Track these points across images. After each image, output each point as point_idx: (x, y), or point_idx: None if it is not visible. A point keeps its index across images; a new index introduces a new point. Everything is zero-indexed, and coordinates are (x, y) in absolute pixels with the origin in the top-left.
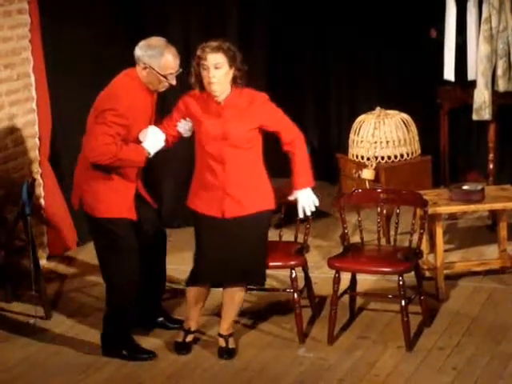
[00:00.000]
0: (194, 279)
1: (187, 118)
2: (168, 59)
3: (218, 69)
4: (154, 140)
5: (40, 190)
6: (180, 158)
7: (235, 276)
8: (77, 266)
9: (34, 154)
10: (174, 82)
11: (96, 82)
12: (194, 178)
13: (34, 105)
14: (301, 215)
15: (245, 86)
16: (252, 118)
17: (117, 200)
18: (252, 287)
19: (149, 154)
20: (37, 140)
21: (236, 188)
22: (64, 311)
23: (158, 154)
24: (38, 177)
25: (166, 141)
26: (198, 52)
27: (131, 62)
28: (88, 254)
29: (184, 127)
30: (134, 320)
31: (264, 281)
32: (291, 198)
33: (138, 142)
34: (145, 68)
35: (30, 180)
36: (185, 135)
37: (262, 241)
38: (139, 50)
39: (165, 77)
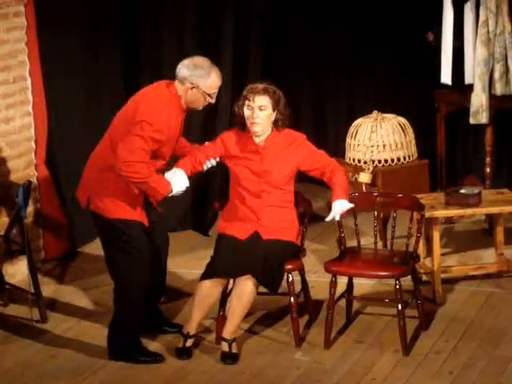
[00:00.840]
0: (209, 272)
1: (212, 159)
2: (214, 79)
3: (262, 110)
4: (179, 184)
5: (36, 194)
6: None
7: (251, 269)
8: (73, 269)
9: (30, 157)
10: (213, 101)
11: (93, 85)
12: (226, 210)
13: (30, 108)
14: (329, 219)
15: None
16: (290, 159)
17: (129, 202)
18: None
19: (171, 191)
20: (33, 143)
21: (269, 221)
22: (60, 314)
23: None
24: (34, 180)
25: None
26: (245, 93)
27: (128, 65)
28: (84, 257)
29: (208, 166)
30: (142, 322)
31: (278, 287)
32: (328, 219)
33: (162, 168)
34: (192, 88)
35: (26, 183)
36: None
37: (282, 257)
38: (186, 70)
39: (210, 96)
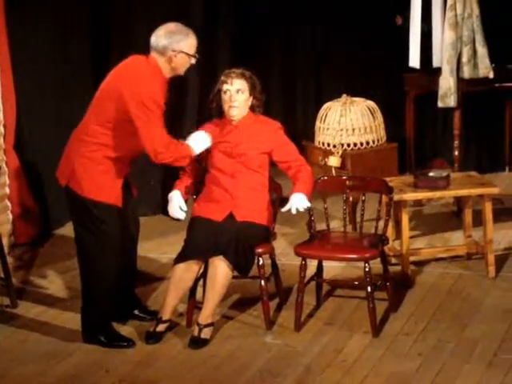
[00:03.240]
0: (182, 255)
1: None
2: (193, 38)
3: (239, 94)
4: (198, 139)
5: (5, 178)
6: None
7: (224, 251)
8: (42, 254)
9: None
10: (194, 62)
11: (61, 70)
12: (201, 195)
13: None
14: (284, 209)
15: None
16: (263, 143)
17: (108, 184)
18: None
19: (194, 152)
20: (1, 128)
21: (243, 201)
22: (30, 299)
23: None
24: (2, 164)
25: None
26: (223, 77)
27: (97, 51)
28: (54, 242)
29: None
30: (112, 307)
31: (248, 270)
32: (284, 209)
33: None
34: (175, 55)
35: None
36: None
37: (254, 240)
38: (163, 40)
39: (193, 56)
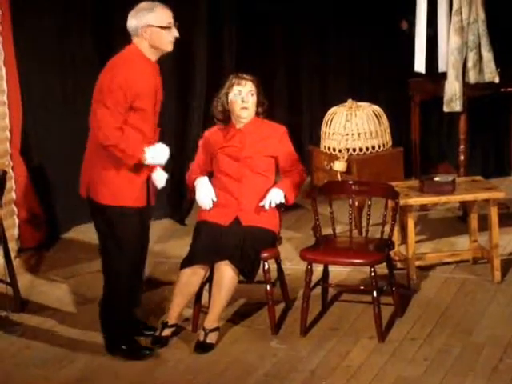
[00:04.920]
0: (188, 259)
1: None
2: (160, 10)
3: (251, 96)
4: (156, 151)
5: (11, 183)
6: None
7: (230, 255)
8: (49, 258)
9: (5, 146)
10: (177, 34)
11: (67, 75)
12: None
13: (4, 97)
14: (262, 203)
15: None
16: (269, 147)
17: (125, 187)
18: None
19: (145, 159)
20: (8, 133)
21: (249, 206)
22: (36, 304)
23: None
24: (9, 169)
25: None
26: (233, 80)
27: (103, 54)
28: (60, 246)
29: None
30: (132, 315)
31: (254, 275)
32: (261, 203)
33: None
34: (145, 31)
35: (0, 173)
36: (158, 186)
37: (260, 245)
38: (133, 20)
39: (167, 28)
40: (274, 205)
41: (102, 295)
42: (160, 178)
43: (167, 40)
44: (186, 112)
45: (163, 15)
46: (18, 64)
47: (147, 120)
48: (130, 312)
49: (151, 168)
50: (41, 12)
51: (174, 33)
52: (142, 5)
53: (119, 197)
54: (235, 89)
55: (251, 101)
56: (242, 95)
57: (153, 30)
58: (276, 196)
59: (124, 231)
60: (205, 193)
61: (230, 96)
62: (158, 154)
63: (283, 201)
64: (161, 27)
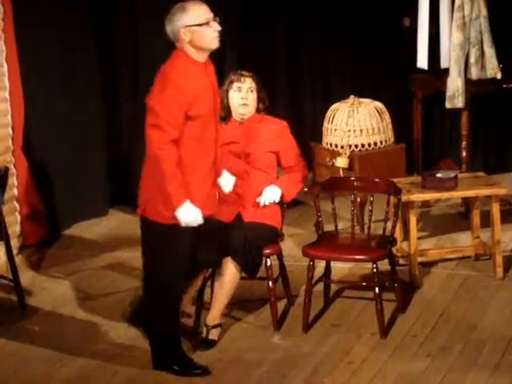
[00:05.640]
0: None
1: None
2: (194, 7)
3: (251, 92)
4: (188, 211)
5: (13, 180)
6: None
7: (232, 252)
8: (50, 255)
9: (7, 143)
10: (219, 28)
11: (69, 72)
12: None
13: (6, 94)
14: (258, 200)
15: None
16: (270, 142)
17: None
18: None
19: (176, 211)
20: (10, 129)
21: (251, 202)
22: (38, 301)
23: (132, 145)
24: (11, 166)
25: None
26: (233, 77)
27: (104, 52)
28: (62, 243)
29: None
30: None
31: (256, 271)
32: (257, 199)
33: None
34: (184, 33)
35: (3, 169)
36: (226, 190)
37: (262, 241)
38: (168, 26)
39: (206, 24)
40: (267, 203)
41: (145, 310)
42: (226, 183)
43: (210, 37)
44: None
45: (198, 12)
46: (20, 61)
47: (207, 127)
48: (177, 325)
49: (217, 173)
50: (43, 9)
51: (216, 27)
52: (173, 9)
53: (162, 213)
54: (235, 86)
55: (251, 97)
56: (242, 92)
57: (191, 29)
58: (271, 194)
59: (181, 245)
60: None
61: (230, 93)
62: (188, 212)
63: (278, 199)
64: (199, 25)
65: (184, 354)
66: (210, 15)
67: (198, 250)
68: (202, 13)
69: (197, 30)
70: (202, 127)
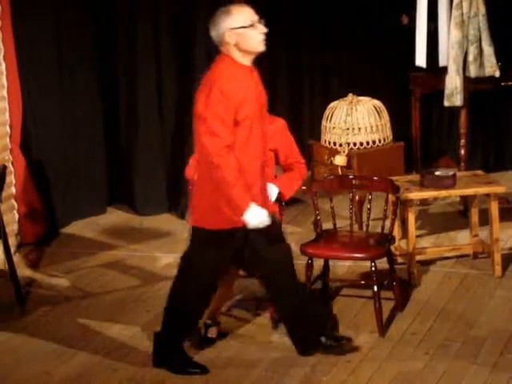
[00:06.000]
0: None
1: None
2: (238, 10)
3: None
4: (257, 216)
5: (11, 178)
6: (150, 146)
7: None
8: (49, 253)
9: (5, 141)
10: (264, 30)
11: (67, 71)
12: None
13: (4, 92)
14: None
15: None
16: (269, 140)
17: (214, 208)
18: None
19: (244, 215)
20: (8, 127)
21: None
22: (36, 299)
23: (130, 143)
24: (9, 164)
25: None
26: None
27: (102, 50)
28: (60, 241)
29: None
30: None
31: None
32: None
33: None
34: (229, 36)
35: (0, 168)
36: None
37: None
38: (213, 30)
39: (251, 26)
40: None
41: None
42: (271, 192)
43: (256, 39)
44: (187, 105)
45: (243, 14)
46: (18, 59)
47: (254, 130)
48: (188, 329)
49: (267, 176)
50: (41, 7)
51: (261, 29)
52: (218, 11)
53: (207, 219)
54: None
55: None
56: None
57: (237, 32)
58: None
59: (228, 250)
60: (257, 216)
61: None
62: (256, 214)
63: (274, 198)
64: (243, 27)
65: (184, 352)
66: (255, 17)
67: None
68: (246, 15)
69: (242, 32)
70: (249, 131)
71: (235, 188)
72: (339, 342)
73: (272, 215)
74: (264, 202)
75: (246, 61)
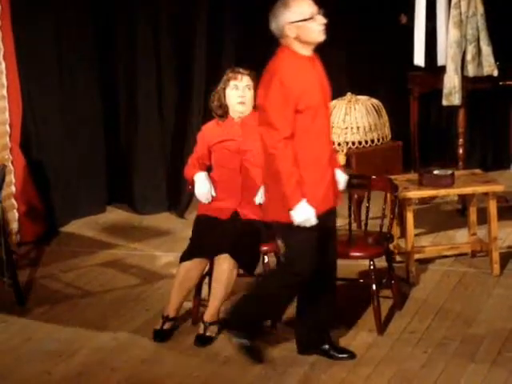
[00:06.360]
0: (188, 253)
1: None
2: (297, 2)
3: (248, 90)
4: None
5: (11, 177)
6: (150, 146)
7: (230, 249)
8: (48, 252)
9: (5, 140)
10: (324, 21)
11: (67, 70)
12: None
13: (4, 92)
14: (255, 199)
15: None
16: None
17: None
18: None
19: (292, 210)
20: (7, 127)
21: (248, 199)
22: (36, 298)
23: (129, 142)
24: (8, 164)
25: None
26: (230, 74)
27: (102, 50)
28: (60, 240)
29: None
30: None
31: (254, 268)
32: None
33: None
34: (289, 29)
35: (0, 167)
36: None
37: (259, 238)
38: (273, 22)
39: (311, 19)
40: (263, 202)
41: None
42: (341, 179)
43: (316, 31)
44: (186, 105)
45: (302, 7)
46: (18, 58)
47: (318, 120)
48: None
49: (334, 166)
50: (41, 6)
51: (321, 20)
52: (277, 4)
53: (278, 213)
54: (232, 83)
55: (248, 95)
56: (239, 90)
57: (296, 25)
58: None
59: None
60: (203, 188)
61: (227, 91)
62: (303, 215)
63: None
64: (303, 20)
65: (256, 337)
66: (314, 8)
67: None
68: (305, 8)
69: (302, 25)
70: (312, 120)
71: (288, 182)
72: (342, 354)
73: (334, 210)
74: (336, 191)
75: (307, 51)
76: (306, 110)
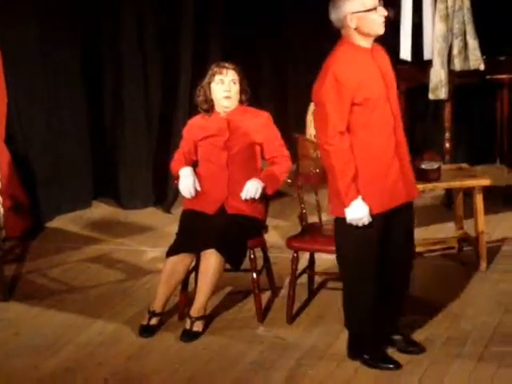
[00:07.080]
0: (174, 248)
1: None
2: None
3: (234, 84)
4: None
5: None
6: (136, 141)
7: (216, 244)
8: (34, 247)
9: None
10: (385, 12)
11: (51, 64)
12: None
13: None
14: (241, 195)
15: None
16: (254, 134)
17: (369, 190)
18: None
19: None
20: None
21: (234, 194)
22: (22, 293)
23: (115, 135)
24: None
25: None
26: (215, 69)
27: (86, 43)
28: (45, 235)
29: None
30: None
31: (240, 263)
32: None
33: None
34: (350, 19)
35: None
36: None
37: (245, 233)
38: (333, 13)
39: (374, 10)
40: (249, 198)
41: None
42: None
43: (377, 23)
44: (172, 100)
45: None
46: (2, 53)
47: (379, 112)
48: (372, 319)
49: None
50: (27, 4)
51: (382, 11)
52: None
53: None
54: (217, 78)
55: (234, 90)
56: (225, 84)
57: (358, 16)
58: (251, 187)
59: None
60: (187, 183)
61: (212, 85)
62: (356, 213)
63: (259, 192)
64: (366, 11)
65: (377, 346)
66: (376, 0)
67: None
68: (364, 0)
69: (364, 16)
70: (371, 113)
71: (342, 178)
72: (411, 346)
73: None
74: (409, 184)
75: (366, 43)
76: (365, 102)
